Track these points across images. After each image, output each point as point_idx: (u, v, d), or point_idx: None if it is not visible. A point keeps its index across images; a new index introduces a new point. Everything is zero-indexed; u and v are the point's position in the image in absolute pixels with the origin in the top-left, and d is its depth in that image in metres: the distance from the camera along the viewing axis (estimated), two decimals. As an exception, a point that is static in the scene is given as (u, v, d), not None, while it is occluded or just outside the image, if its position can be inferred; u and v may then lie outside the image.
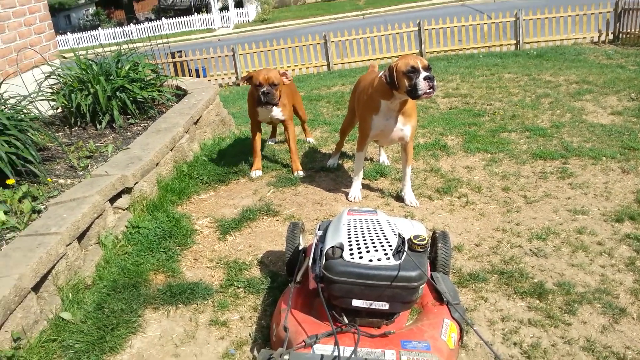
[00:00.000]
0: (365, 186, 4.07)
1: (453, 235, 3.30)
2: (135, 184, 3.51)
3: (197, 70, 14.48)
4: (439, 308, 2.28)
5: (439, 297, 2.34)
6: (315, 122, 5.96)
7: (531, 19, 13.58)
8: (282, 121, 4.33)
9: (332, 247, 2.22)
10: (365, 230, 2.33)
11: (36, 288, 2.48)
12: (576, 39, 13.41)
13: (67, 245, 2.71)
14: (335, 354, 1.97)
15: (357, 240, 2.25)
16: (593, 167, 4.23)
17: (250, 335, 2.50)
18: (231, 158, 4.57)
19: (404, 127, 3.58)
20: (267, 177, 4.24)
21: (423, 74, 3.18)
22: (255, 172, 4.32)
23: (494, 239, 3.26)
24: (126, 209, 3.44)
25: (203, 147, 4.77)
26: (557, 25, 13.50)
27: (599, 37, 13.27)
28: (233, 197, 3.94)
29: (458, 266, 2.97)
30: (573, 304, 2.62)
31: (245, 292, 2.82)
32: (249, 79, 4.06)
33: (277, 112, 4.20)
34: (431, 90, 3.19)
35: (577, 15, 13.36)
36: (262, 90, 3.94)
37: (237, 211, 3.69)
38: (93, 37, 31.92)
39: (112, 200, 3.33)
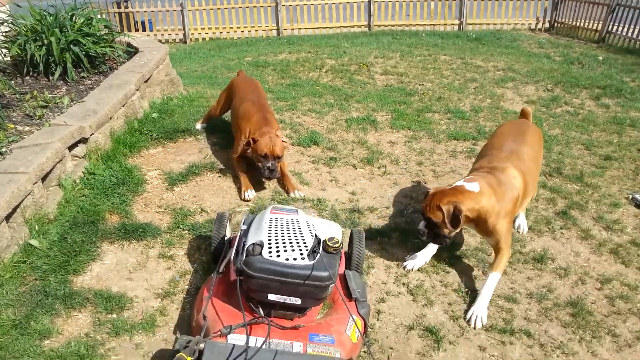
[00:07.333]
0: (299, 152, 4.59)
1: (369, 199, 3.91)
2: (91, 134, 3.87)
3: (142, 23, 14.05)
4: (347, 304, 2.45)
5: (349, 293, 2.55)
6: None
7: (475, 1, 14.26)
8: None
9: (253, 244, 2.36)
10: (284, 230, 2.49)
11: (7, 218, 2.88)
12: (515, 24, 14.22)
13: (33, 184, 3.10)
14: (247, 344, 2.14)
15: (277, 239, 2.42)
16: (496, 149, 4.92)
17: (192, 267, 3.02)
18: (179, 117, 4.94)
19: None
20: (213, 138, 4.66)
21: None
22: (250, 192, 3.81)
23: (401, 204, 3.89)
24: (82, 157, 3.82)
25: (153, 106, 5.10)
26: (499, 9, 14.24)
27: (536, 24, 14.14)
28: (180, 153, 4.36)
29: (369, 223, 3.58)
30: (455, 257, 3.29)
31: (189, 233, 3.33)
32: (251, 143, 3.78)
33: None
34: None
35: (518, 0, 14.15)
36: (267, 165, 3.73)
37: (183, 166, 4.13)
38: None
39: (71, 148, 3.69)
